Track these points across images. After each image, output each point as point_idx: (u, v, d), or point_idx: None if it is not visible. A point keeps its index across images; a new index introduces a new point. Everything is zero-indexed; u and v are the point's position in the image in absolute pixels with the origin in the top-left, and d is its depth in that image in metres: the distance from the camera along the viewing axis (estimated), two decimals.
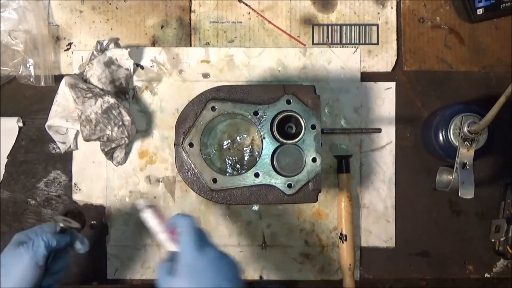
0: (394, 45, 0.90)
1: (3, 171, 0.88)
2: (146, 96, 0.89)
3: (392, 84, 0.89)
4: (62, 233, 0.73)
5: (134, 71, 0.88)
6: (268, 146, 0.75)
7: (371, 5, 0.90)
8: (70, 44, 0.89)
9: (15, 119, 0.88)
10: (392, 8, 0.90)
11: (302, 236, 0.89)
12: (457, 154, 0.78)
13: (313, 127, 0.75)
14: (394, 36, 0.90)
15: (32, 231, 0.72)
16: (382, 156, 0.89)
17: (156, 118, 0.88)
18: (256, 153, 0.78)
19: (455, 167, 0.78)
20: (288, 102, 0.76)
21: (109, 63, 0.85)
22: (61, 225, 0.73)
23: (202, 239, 0.65)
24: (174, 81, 0.89)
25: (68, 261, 0.76)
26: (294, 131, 0.79)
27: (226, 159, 0.82)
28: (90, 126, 0.82)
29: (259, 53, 0.89)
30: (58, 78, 0.86)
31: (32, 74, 0.86)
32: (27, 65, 0.86)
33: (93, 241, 0.86)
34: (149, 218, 0.69)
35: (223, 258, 0.65)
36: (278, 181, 0.75)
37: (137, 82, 0.89)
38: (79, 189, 0.88)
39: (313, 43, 0.90)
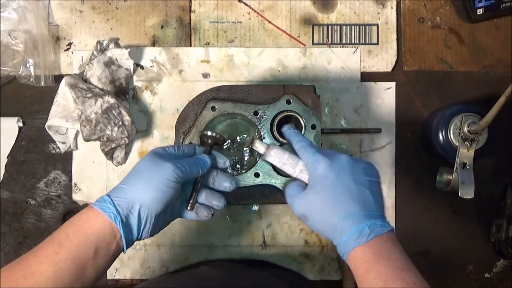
0: (394, 45, 0.90)
1: (3, 171, 0.88)
2: (146, 96, 0.89)
3: (392, 84, 0.89)
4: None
5: (134, 71, 0.88)
6: None
7: (371, 5, 0.90)
8: (70, 44, 0.89)
9: (15, 119, 0.88)
10: (392, 8, 0.90)
11: (302, 236, 0.89)
12: (457, 154, 0.78)
13: (313, 127, 0.75)
14: (394, 36, 0.90)
15: (172, 148, 0.68)
16: (382, 156, 0.89)
17: (156, 118, 0.88)
18: (256, 153, 0.78)
19: (455, 167, 0.78)
20: (288, 102, 0.76)
21: (109, 63, 0.85)
22: (209, 141, 0.70)
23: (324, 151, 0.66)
24: (174, 81, 0.89)
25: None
26: None
27: None
28: (90, 126, 0.82)
29: (259, 53, 0.89)
30: (58, 78, 0.86)
31: (32, 74, 0.86)
32: (27, 65, 0.86)
33: None
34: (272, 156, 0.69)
35: (356, 161, 0.64)
36: (278, 181, 0.75)
37: (137, 82, 0.89)
38: (79, 189, 0.88)
39: (313, 43, 0.90)
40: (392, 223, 0.89)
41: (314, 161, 0.64)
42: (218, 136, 0.70)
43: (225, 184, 0.69)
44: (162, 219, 0.65)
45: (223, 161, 0.70)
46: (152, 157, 0.64)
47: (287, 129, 0.71)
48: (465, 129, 0.78)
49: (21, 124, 0.89)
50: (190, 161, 0.65)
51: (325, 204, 0.61)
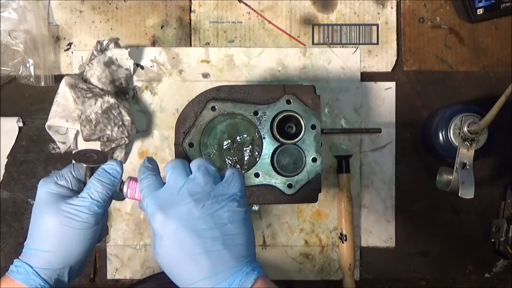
0: (394, 45, 0.90)
1: (3, 171, 0.88)
2: (146, 96, 0.89)
3: (392, 84, 0.89)
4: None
5: (134, 71, 0.88)
6: (268, 146, 0.75)
7: (371, 5, 0.90)
8: (70, 44, 0.89)
9: (15, 119, 0.88)
10: (392, 8, 0.90)
11: (302, 236, 0.89)
12: (457, 154, 0.78)
13: (313, 127, 0.75)
14: (394, 36, 0.90)
15: (62, 174, 0.60)
16: (382, 156, 0.89)
17: (156, 118, 0.88)
18: (256, 153, 0.78)
19: (455, 167, 0.78)
20: (288, 102, 0.76)
21: (109, 63, 0.85)
22: (84, 165, 0.60)
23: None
24: (174, 81, 0.89)
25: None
26: (294, 131, 0.79)
27: (226, 159, 0.82)
28: (90, 126, 0.82)
29: (259, 53, 0.89)
30: (58, 78, 0.86)
31: (32, 74, 0.86)
32: (27, 65, 0.86)
33: None
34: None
35: (205, 198, 0.53)
36: (278, 181, 0.75)
37: (137, 82, 0.89)
38: None
39: (313, 43, 0.90)
40: (392, 223, 0.89)
41: (151, 215, 0.54)
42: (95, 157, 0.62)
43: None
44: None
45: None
46: (56, 209, 0.56)
47: (141, 166, 0.59)
48: (465, 129, 0.78)
49: (21, 124, 0.89)
50: (101, 186, 0.58)
51: (171, 267, 0.53)
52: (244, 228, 0.53)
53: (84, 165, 0.60)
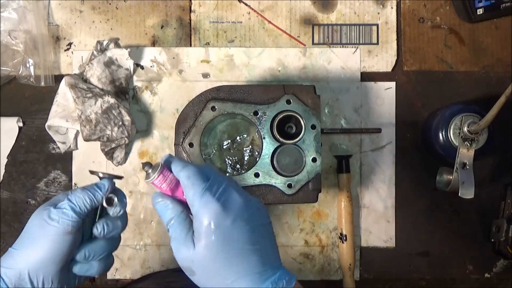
0: (394, 45, 0.90)
1: (3, 171, 0.88)
2: (146, 96, 0.89)
3: (392, 84, 0.89)
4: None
5: (134, 71, 0.88)
6: (268, 146, 0.75)
7: (371, 5, 0.90)
8: (70, 44, 0.89)
9: (15, 119, 0.88)
10: (392, 8, 0.90)
11: (302, 236, 0.89)
12: (457, 154, 0.78)
13: (313, 127, 0.76)
14: (394, 36, 0.90)
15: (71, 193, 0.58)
16: (382, 156, 0.89)
17: (156, 118, 0.88)
18: (256, 153, 0.78)
19: (455, 167, 0.78)
20: (288, 102, 0.76)
21: (109, 63, 0.85)
22: (101, 175, 0.60)
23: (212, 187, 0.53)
24: (174, 81, 0.89)
25: (122, 222, 0.59)
26: (294, 131, 0.79)
27: (226, 159, 0.82)
28: (90, 126, 0.82)
29: (259, 53, 0.89)
30: (58, 78, 0.86)
31: (32, 74, 0.86)
32: (27, 65, 0.86)
33: None
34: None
35: (250, 201, 0.54)
36: (278, 181, 0.75)
37: (137, 82, 0.89)
38: None
39: (313, 43, 0.90)
40: (392, 223, 0.89)
41: (202, 205, 0.52)
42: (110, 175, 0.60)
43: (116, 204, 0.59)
44: (70, 275, 0.57)
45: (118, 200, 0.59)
46: (40, 209, 0.56)
47: (166, 159, 0.57)
48: (465, 129, 0.78)
49: (21, 124, 0.89)
50: (82, 192, 0.57)
51: (217, 261, 0.51)
52: (273, 234, 0.56)
53: (101, 174, 0.60)
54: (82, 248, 0.58)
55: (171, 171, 0.56)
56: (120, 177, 0.61)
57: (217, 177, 0.55)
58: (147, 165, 0.56)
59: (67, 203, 0.56)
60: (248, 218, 0.52)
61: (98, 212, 0.59)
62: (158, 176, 0.56)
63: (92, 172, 0.61)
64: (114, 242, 0.61)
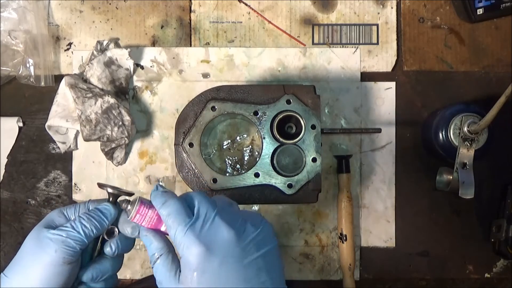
0: (394, 45, 0.90)
1: (3, 171, 0.88)
2: (146, 96, 0.89)
3: (392, 84, 0.89)
4: (111, 203, 0.56)
5: (134, 71, 0.88)
6: (268, 146, 0.75)
7: (371, 5, 0.90)
8: (70, 44, 0.89)
9: (15, 119, 0.88)
10: (392, 8, 0.90)
11: (302, 236, 0.89)
12: (457, 154, 0.78)
13: (313, 127, 0.76)
14: (394, 36, 0.90)
15: (72, 208, 0.56)
16: (382, 156, 0.89)
17: (156, 118, 0.88)
18: (256, 153, 0.79)
19: (455, 167, 0.78)
20: (288, 102, 0.76)
21: (109, 63, 0.85)
22: (110, 190, 0.56)
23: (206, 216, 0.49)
24: (174, 81, 0.89)
25: (128, 244, 0.56)
26: (294, 131, 0.79)
27: (226, 159, 0.82)
28: (90, 126, 0.82)
29: (259, 53, 0.89)
30: (58, 78, 0.86)
31: (32, 74, 0.86)
32: (27, 65, 0.86)
33: None
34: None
35: (243, 234, 0.49)
36: (278, 181, 0.75)
37: (137, 82, 0.89)
38: (79, 189, 0.88)
39: (313, 43, 0.90)
40: (392, 223, 0.89)
41: (185, 247, 0.48)
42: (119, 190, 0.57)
43: (128, 229, 0.55)
44: None
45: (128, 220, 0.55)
46: (37, 233, 0.51)
47: (153, 191, 0.54)
48: (465, 129, 0.78)
49: (21, 124, 0.89)
50: (86, 219, 0.53)
51: None
52: (278, 257, 0.52)
53: (110, 190, 0.56)
54: (88, 268, 0.54)
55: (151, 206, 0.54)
56: (131, 194, 0.58)
57: (203, 208, 0.50)
58: (124, 202, 0.54)
59: (69, 230, 0.51)
60: (239, 255, 0.48)
61: (100, 241, 0.56)
62: (135, 215, 0.53)
63: (100, 186, 0.57)
64: (120, 261, 0.58)
